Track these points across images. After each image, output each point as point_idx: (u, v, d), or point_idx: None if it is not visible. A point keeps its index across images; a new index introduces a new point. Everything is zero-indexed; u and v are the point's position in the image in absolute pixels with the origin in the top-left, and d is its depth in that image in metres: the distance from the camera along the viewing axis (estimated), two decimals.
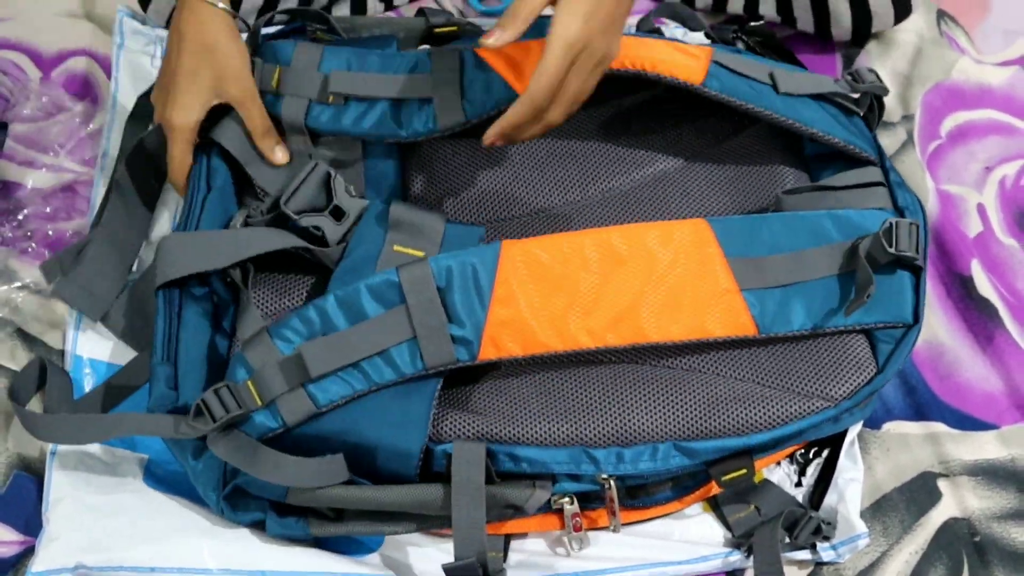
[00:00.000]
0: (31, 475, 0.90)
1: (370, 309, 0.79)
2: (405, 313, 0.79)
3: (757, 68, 0.92)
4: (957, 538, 0.92)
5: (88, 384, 0.94)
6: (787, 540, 0.87)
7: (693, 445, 0.81)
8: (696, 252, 0.83)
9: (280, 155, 0.93)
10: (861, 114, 0.95)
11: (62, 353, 0.95)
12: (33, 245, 1.00)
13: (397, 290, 0.79)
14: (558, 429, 0.81)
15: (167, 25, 1.10)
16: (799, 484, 0.91)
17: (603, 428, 0.81)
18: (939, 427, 0.97)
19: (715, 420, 0.82)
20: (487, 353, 0.80)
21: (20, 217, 1.01)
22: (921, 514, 0.93)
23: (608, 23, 0.77)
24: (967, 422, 0.97)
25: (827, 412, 0.83)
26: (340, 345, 0.78)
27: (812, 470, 0.91)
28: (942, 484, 0.94)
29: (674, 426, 0.82)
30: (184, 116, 0.90)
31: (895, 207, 0.89)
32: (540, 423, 0.81)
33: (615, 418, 0.82)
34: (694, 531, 0.90)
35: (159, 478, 0.90)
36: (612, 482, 0.82)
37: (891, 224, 0.83)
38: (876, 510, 0.93)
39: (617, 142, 0.97)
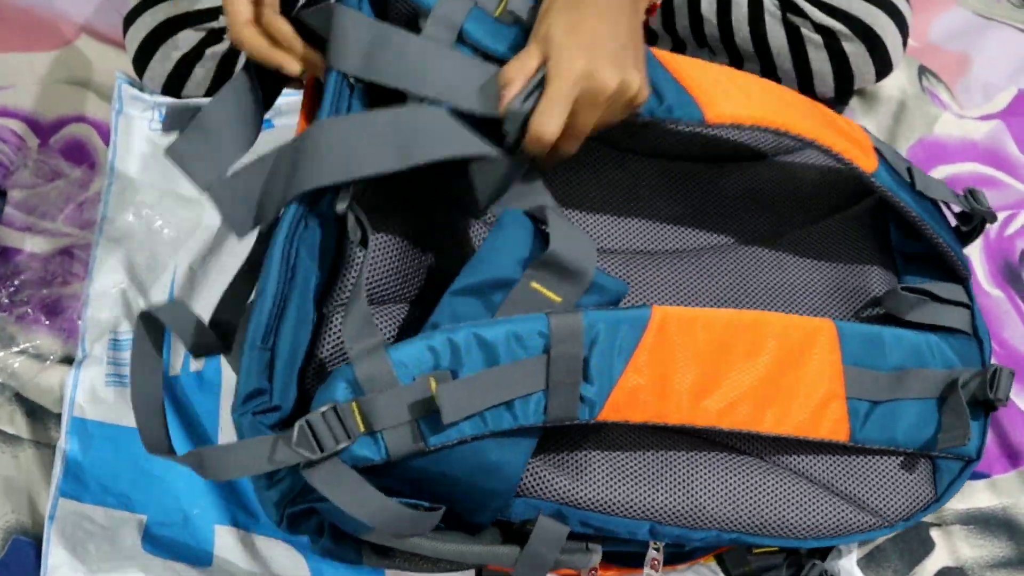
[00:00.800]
0: (30, 539, 0.91)
1: (508, 354, 0.72)
2: (545, 364, 0.72)
3: (898, 160, 0.91)
4: None
5: (91, 446, 0.94)
6: None
7: (754, 540, 0.82)
8: (821, 355, 0.82)
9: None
10: (966, 230, 0.94)
11: (59, 416, 0.96)
12: (30, 310, 1.01)
13: (543, 340, 0.72)
14: (634, 502, 0.80)
15: (163, 91, 1.12)
16: None
17: (674, 507, 0.81)
18: None
19: (782, 520, 0.83)
20: (607, 415, 0.75)
21: (17, 282, 1.03)
22: (915, 564, 0.93)
23: (612, 54, 0.74)
24: None
25: (882, 531, 0.85)
26: (474, 391, 0.71)
27: None
28: (935, 533, 0.95)
29: (743, 521, 0.82)
30: None
31: (975, 333, 0.90)
32: (618, 492, 0.80)
33: (687, 499, 0.81)
34: None
35: (157, 542, 0.91)
36: (661, 547, 0.83)
37: (996, 371, 0.86)
38: (870, 560, 0.93)
39: (720, 201, 0.96)
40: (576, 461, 0.80)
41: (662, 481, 0.81)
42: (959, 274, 0.91)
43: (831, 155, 0.83)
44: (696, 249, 0.93)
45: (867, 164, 0.85)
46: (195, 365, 0.99)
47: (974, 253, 1.09)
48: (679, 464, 0.82)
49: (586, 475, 0.80)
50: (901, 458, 0.87)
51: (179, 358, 0.99)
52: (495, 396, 0.71)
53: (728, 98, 0.79)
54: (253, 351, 0.70)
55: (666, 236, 0.93)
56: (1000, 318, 1.06)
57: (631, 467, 0.81)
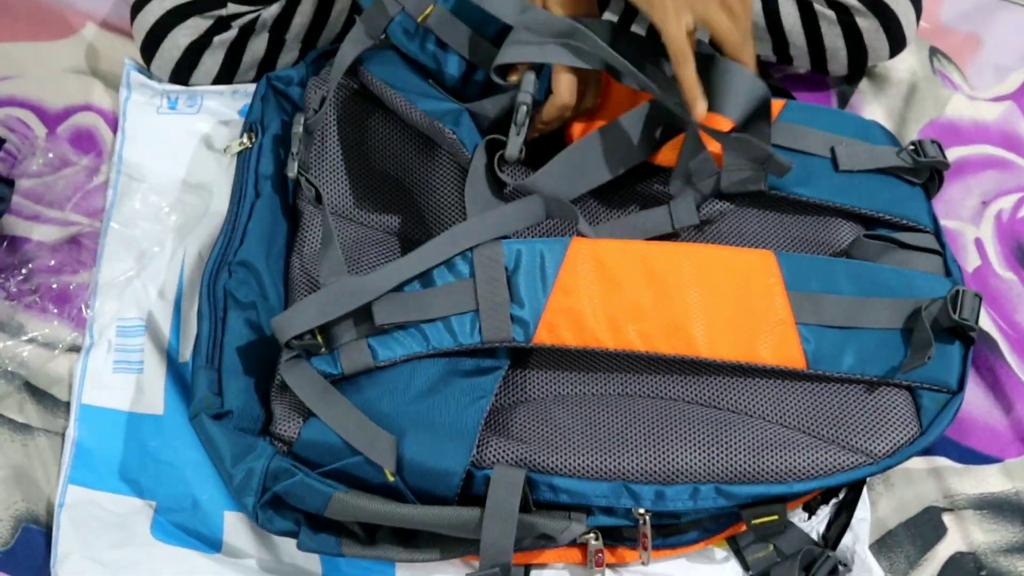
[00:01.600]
0: (40, 527, 0.91)
1: (439, 278, 0.84)
2: (472, 286, 0.83)
3: (819, 140, 0.96)
4: (964, 573, 0.92)
5: (100, 433, 0.94)
6: None
7: (734, 489, 0.82)
8: (758, 280, 0.85)
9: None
10: (920, 183, 0.97)
11: (68, 405, 0.96)
12: (39, 299, 1.01)
13: (468, 264, 0.84)
14: (601, 462, 0.82)
15: (171, 79, 1.12)
16: (808, 519, 0.91)
17: (647, 464, 0.82)
18: (943, 461, 0.97)
19: (759, 465, 0.82)
20: (541, 337, 0.83)
21: (25, 271, 1.03)
22: (927, 549, 0.93)
23: None
24: (970, 456, 0.97)
25: (868, 468, 0.84)
26: (407, 304, 0.83)
27: (826, 508, 0.91)
28: (947, 519, 0.94)
29: (718, 468, 0.82)
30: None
31: (948, 276, 0.91)
32: (583, 455, 0.82)
33: (660, 455, 0.82)
34: (705, 570, 0.90)
35: (167, 529, 0.91)
36: (647, 517, 0.82)
37: (958, 292, 0.85)
38: (881, 546, 0.93)
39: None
40: (534, 431, 0.84)
41: (625, 439, 0.83)
42: (920, 230, 0.94)
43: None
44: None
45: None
46: None
47: (986, 236, 1.09)
48: (646, 421, 0.84)
49: (546, 442, 0.83)
50: (878, 394, 0.86)
51: (188, 346, 0.99)
52: (429, 312, 0.83)
53: None
54: (199, 372, 0.87)
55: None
56: (1012, 301, 1.05)
57: (591, 429, 0.83)
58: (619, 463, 0.82)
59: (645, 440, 0.83)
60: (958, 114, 1.16)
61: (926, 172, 0.97)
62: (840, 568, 0.87)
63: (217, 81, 1.13)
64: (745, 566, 0.89)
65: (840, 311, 0.85)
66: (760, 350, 0.84)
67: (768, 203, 0.97)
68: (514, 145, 0.89)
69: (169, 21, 1.11)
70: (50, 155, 1.09)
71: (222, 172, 1.09)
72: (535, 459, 0.82)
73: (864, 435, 0.84)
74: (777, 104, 0.94)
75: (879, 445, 0.84)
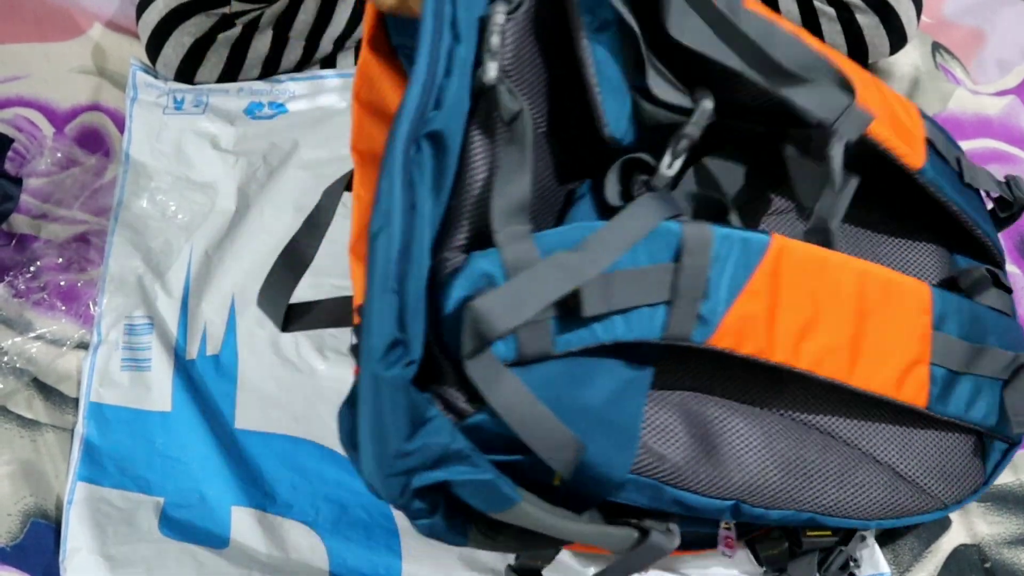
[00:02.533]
0: (48, 522, 0.92)
1: (635, 257, 0.67)
2: (671, 274, 0.69)
3: (950, 150, 0.88)
4: (968, 565, 0.92)
5: (108, 430, 0.95)
6: (816, 574, 0.88)
7: (826, 519, 0.81)
8: (911, 314, 0.79)
9: None
10: (1003, 216, 0.93)
11: (76, 401, 0.97)
12: (47, 296, 1.02)
13: (674, 246, 0.69)
14: (730, 481, 0.76)
15: (176, 77, 1.13)
16: None
17: (763, 489, 0.78)
18: None
19: (857, 504, 0.81)
20: (717, 340, 0.72)
21: (34, 269, 1.03)
22: (931, 541, 0.93)
23: None
24: None
25: (935, 513, 0.84)
26: (611, 290, 0.66)
27: None
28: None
29: (825, 503, 0.80)
30: None
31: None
32: (717, 472, 0.76)
33: (774, 482, 0.78)
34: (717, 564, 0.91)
35: (174, 525, 0.91)
36: (733, 525, 0.81)
37: None
38: (886, 539, 0.93)
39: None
40: (673, 437, 0.76)
41: (750, 459, 0.78)
42: (996, 260, 0.90)
43: (878, 150, 0.79)
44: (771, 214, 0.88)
45: (914, 159, 0.82)
46: (211, 349, 0.99)
47: None
48: (764, 442, 0.79)
49: (682, 453, 0.75)
50: (961, 439, 0.86)
51: (195, 343, 1.00)
52: (629, 297, 0.67)
53: None
54: (385, 295, 0.60)
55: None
56: (1016, 293, 1.05)
57: (722, 443, 0.77)
58: (742, 484, 0.77)
59: (764, 460, 0.78)
60: (961, 108, 1.16)
61: (1017, 207, 0.92)
62: (851, 563, 0.87)
63: (221, 79, 1.14)
64: (759, 561, 0.89)
65: (963, 355, 0.82)
66: (900, 387, 0.80)
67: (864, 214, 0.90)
68: (663, 180, 0.73)
69: (173, 19, 1.11)
70: (58, 154, 1.10)
71: (228, 170, 1.09)
72: (677, 474, 0.74)
73: (941, 480, 0.84)
74: (917, 120, 0.86)
75: (950, 492, 0.84)
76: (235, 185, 1.08)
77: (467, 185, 0.67)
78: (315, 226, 0.84)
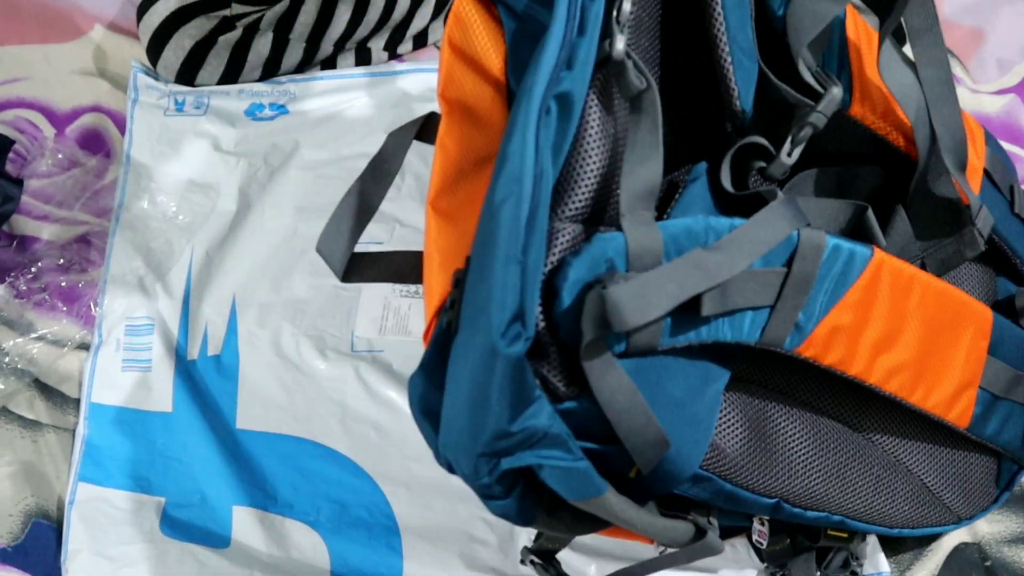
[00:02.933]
0: (50, 523, 0.92)
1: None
2: (781, 278, 0.67)
3: (1005, 177, 0.87)
4: (968, 563, 0.92)
5: (109, 431, 0.95)
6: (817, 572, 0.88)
7: (856, 524, 0.81)
8: (971, 337, 0.79)
9: None
10: None
11: (77, 402, 0.97)
12: (48, 297, 1.02)
13: (787, 252, 0.67)
14: (775, 482, 0.76)
15: (177, 79, 1.13)
16: None
17: (806, 491, 0.78)
18: None
19: (888, 512, 0.82)
20: (804, 349, 0.70)
21: (35, 270, 1.04)
22: (932, 539, 0.93)
23: None
24: None
25: (950, 527, 0.85)
26: (729, 292, 0.64)
27: None
28: None
29: (860, 509, 0.81)
30: None
31: None
32: (764, 470, 0.75)
33: (817, 486, 0.78)
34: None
35: (175, 525, 0.91)
36: (767, 520, 0.82)
37: None
38: (886, 538, 0.93)
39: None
40: (733, 433, 0.74)
41: (800, 461, 0.77)
42: None
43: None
44: None
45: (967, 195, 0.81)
46: (212, 350, 0.99)
47: None
48: (815, 444, 0.78)
49: (739, 449, 0.73)
50: (983, 459, 0.87)
51: (196, 344, 1.00)
52: (741, 299, 0.65)
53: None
54: (509, 267, 0.57)
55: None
56: None
57: (777, 443, 0.76)
58: (787, 485, 0.76)
59: (814, 466, 0.78)
60: (961, 107, 1.16)
61: None
62: (852, 561, 0.87)
63: (222, 81, 1.14)
64: (760, 557, 0.89)
65: (1008, 381, 0.83)
66: (950, 407, 0.80)
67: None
68: (779, 167, 0.73)
69: (174, 22, 1.12)
70: (59, 156, 1.10)
71: (229, 172, 1.10)
72: (731, 469, 0.73)
73: (960, 496, 0.85)
74: (980, 128, 0.87)
75: (966, 508, 0.86)
76: (236, 186, 1.09)
77: (583, 153, 0.64)
78: (382, 172, 0.79)
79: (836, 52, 0.77)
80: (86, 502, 0.92)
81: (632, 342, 0.62)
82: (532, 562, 0.81)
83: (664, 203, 0.73)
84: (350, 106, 1.13)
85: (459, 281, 0.62)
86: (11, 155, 1.08)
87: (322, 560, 0.90)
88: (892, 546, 0.92)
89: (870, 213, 0.75)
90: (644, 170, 0.62)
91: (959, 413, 0.81)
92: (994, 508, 0.88)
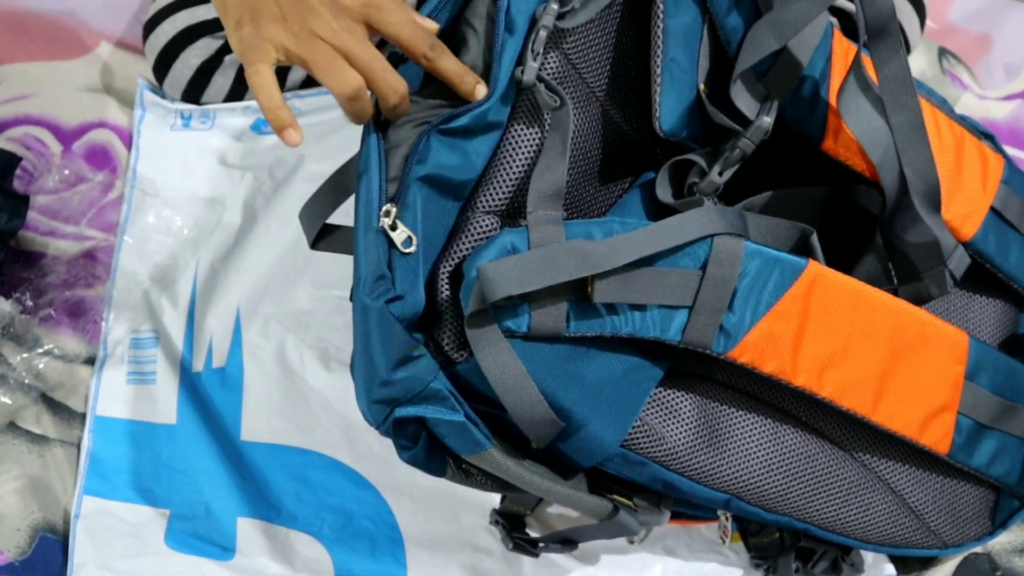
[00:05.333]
0: (56, 537, 0.92)
1: (664, 260, 0.71)
2: (697, 281, 0.72)
3: (1019, 205, 0.89)
4: (978, 573, 0.91)
5: (114, 444, 0.95)
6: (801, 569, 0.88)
7: (823, 533, 0.82)
8: (945, 362, 0.81)
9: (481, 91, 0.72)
10: None
11: (84, 416, 0.97)
12: (54, 312, 1.03)
13: (703, 255, 0.72)
14: (727, 475, 0.78)
15: (183, 98, 1.14)
16: None
17: (762, 490, 0.79)
18: None
19: (859, 526, 0.83)
20: (738, 354, 0.74)
21: (41, 285, 1.04)
22: None
23: None
24: None
25: (935, 551, 0.85)
26: (629, 285, 0.70)
27: None
28: None
29: (827, 519, 0.82)
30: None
31: None
32: (710, 461, 0.78)
33: (776, 487, 0.80)
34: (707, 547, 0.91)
35: (180, 537, 0.91)
36: (729, 516, 0.83)
37: None
38: None
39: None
40: (677, 422, 0.78)
41: (755, 459, 0.79)
42: None
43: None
44: None
45: (962, 233, 0.84)
46: (217, 362, 1.00)
47: None
48: (775, 444, 0.80)
49: (684, 439, 0.77)
50: (975, 488, 0.87)
51: (201, 356, 1.00)
52: (645, 294, 0.71)
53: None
54: (368, 233, 0.68)
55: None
56: None
57: (727, 438, 0.79)
58: (739, 482, 0.79)
59: (767, 463, 0.80)
60: (968, 113, 1.15)
61: None
62: (842, 563, 0.86)
63: (228, 99, 1.15)
64: (748, 548, 0.89)
65: (993, 410, 0.83)
66: (922, 431, 0.81)
67: None
68: (711, 185, 0.77)
69: (180, 42, 1.12)
70: (65, 171, 1.11)
71: (234, 185, 1.10)
72: (669, 456, 0.76)
73: (947, 522, 0.85)
74: (998, 164, 0.89)
75: (954, 535, 0.86)
76: (241, 199, 1.09)
77: (500, 159, 0.73)
78: None
79: (812, 87, 0.80)
80: (91, 515, 0.92)
81: (533, 326, 0.69)
82: (497, 522, 0.87)
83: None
84: None
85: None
86: (18, 171, 1.09)
87: (326, 571, 0.90)
88: (901, 556, 0.92)
89: (814, 237, 0.79)
90: (550, 175, 0.69)
91: (937, 438, 0.81)
92: (989, 539, 0.88)
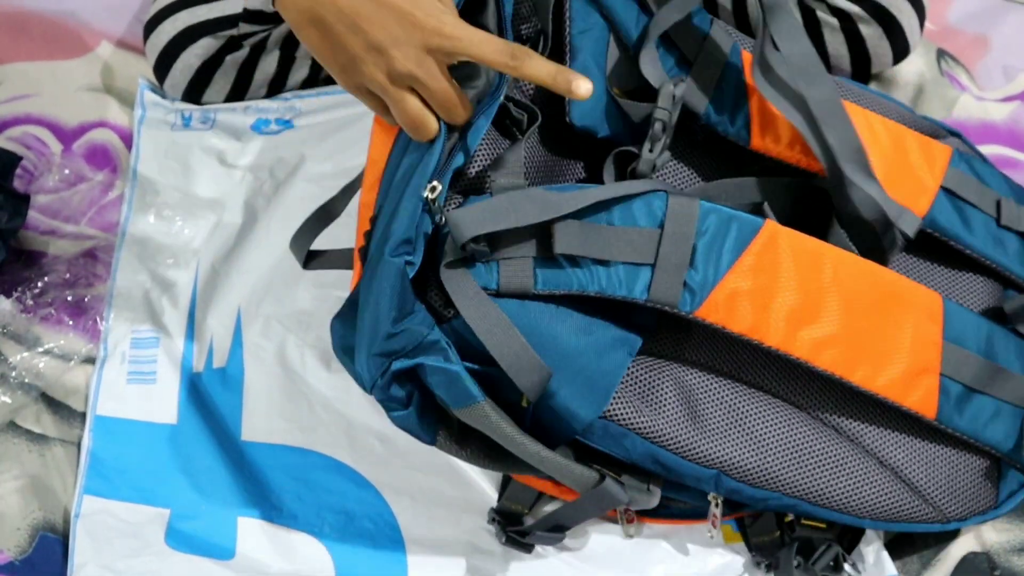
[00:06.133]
0: (56, 536, 0.92)
1: (623, 218, 0.76)
2: (656, 239, 0.76)
3: (984, 195, 0.92)
4: (977, 572, 0.91)
5: (115, 443, 0.96)
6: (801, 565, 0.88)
7: (815, 510, 0.82)
8: (921, 322, 0.82)
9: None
10: None
11: (84, 415, 0.97)
12: (54, 311, 1.03)
13: (660, 213, 0.77)
14: (712, 450, 0.79)
15: (183, 98, 1.14)
16: None
17: (748, 465, 0.80)
18: None
19: (850, 499, 0.82)
20: (707, 312, 0.77)
21: (41, 284, 1.04)
22: (940, 549, 0.92)
23: None
24: None
25: (936, 524, 0.85)
26: (590, 237, 0.75)
27: None
28: None
29: (815, 493, 0.82)
30: None
31: None
32: (694, 436, 0.79)
33: (764, 460, 0.80)
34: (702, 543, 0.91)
35: (180, 537, 0.91)
36: (719, 499, 0.83)
37: None
38: (894, 546, 0.92)
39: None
40: (657, 397, 0.80)
41: (739, 433, 0.80)
42: None
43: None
44: None
45: (915, 208, 0.87)
46: (218, 362, 1.00)
47: None
48: (759, 419, 0.81)
49: (665, 413, 0.79)
50: (973, 458, 0.86)
51: (202, 356, 1.00)
52: (607, 249, 0.75)
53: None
54: (412, 199, 0.73)
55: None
56: None
57: (710, 413, 0.80)
58: (725, 455, 0.79)
59: (751, 436, 0.80)
60: (966, 115, 1.16)
61: None
62: (843, 560, 0.86)
63: (229, 99, 1.15)
64: (748, 547, 0.89)
65: (981, 374, 0.84)
66: (905, 392, 0.82)
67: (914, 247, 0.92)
68: (646, 163, 0.82)
69: (181, 42, 1.12)
70: (66, 171, 1.11)
71: (235, 185, 1.10)
72: (652, 429, 0.78)
73: (945, 494, 0.85)
74: (945, 151, 0.92)
75: (955, 507, 0.85)
76: (242, 199, 1.09)
77: (477, 154, 0.79)
78: (349, 189, 0.91)
79: (732, 91, 0.85)
80: (91, 515, 0.92)
81: (502, 282, 0.74)
82: (495, 520, 0.88)
83: None
84: (355, 119, 1.14)
85: (373, 219, 0.78)
86: (18, 171, 1.09)
87: (327, 571, 0.90)
88: (899, 553, 0.92)
89: (766, 206, 0.84)
90: (510, 153, 0.78)
91: (919, 400, 0.82)
92: (996, 514, 0.87)
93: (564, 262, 0.75)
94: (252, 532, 0.91)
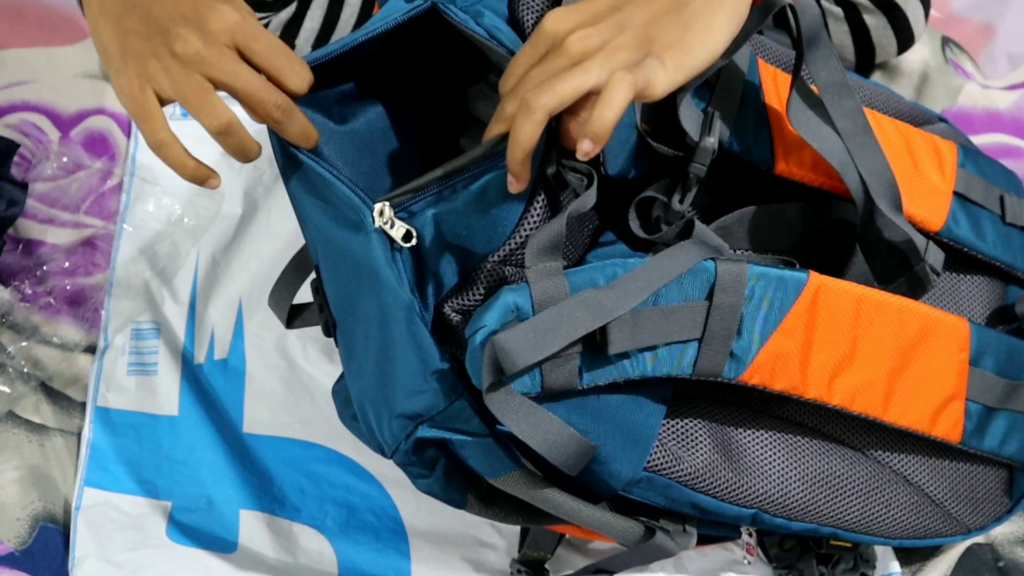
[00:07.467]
0: (57, 527, 0.92)
1: (668, 296, 0.69)
2: (705, 312, 0.70)
3: (989, 192, 0.90)
4: (981, 564, 0.91)
5: (115, 435, 0.95)
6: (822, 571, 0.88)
7: (848, 535, 0.81)
8: (949, 351, 0.80)
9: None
10: None
11: (83, 405, 0.97)
12: (53, 300, 1.02)
13: (708, 284, 0.70)
14: (751, 490, 0.77)
15: None
16: None
17: (785, 501, 0.78)
18: None
19: (883, 523, 0.82)
20: (749, 376, 0.73)
21: (40, 273, 1.04)
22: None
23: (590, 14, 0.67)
24: None
25: (958, 536, 0.85)
26: (640, 328, 0.68)
27: None
28: None
29: (850, 520, 0.81)
30: None
31: None
32: (738, 480, 0.76)
33: (799, 495, 0.79)
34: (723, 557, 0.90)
35: (182, 529, 0.91)
36: (754, 531, 0.82)
37: None
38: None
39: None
40: (693, 441, 0.76)
41: (773, 469, 0.78)
42: None
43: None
44: None
45: (933, 223, 0.84)
46: (219, 354, 0.99)
47: None
48: (792, 454, 0.79)
49: (702, 457, 0.76)
50: (990, 470, 0.86)
51: (203, 347, 1.00)
52: (656, 335, 0.69)
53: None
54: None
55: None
56: None
57: (744, 451, 0.78)
58: (766, 494, 0.77)
59: (789, 473, 0.79)
60: (971, 103, 1.15)
61: None
62: (862, 563, 0.86)
63: None
64: (768, 557, 0.89)
65: (999, 392, 0.83)
66: (934, 423, 0.80)
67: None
68: (674, 215, 0.75)
69: None
70: (64, 159, 1.10)
71: (235, 175, 1.09)
72: (693, 476, 0.75)
73: (967, 507, 0.85)
74: (951, 151, 0.90)
75: (975, 519, 0.86)
76: (242, 189, 1.08)
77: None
78: None
79: (753, 115, 0.80)
80: (92, 507, 0.92)
81: (546, 384, 0.66)
82: (519, 571, 0.86)
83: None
84: None
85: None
86: (16, 158, 1.08)
87: (329, 564, 0.90)
88: (903, 547, 0.92)
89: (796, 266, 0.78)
90: (548, 225, 0.66)
91: (947, 428, 0.81)
92: (1008, 518, 0.87)
93: (612, 357, 0.68)
94: (254, 525, 0.91)
